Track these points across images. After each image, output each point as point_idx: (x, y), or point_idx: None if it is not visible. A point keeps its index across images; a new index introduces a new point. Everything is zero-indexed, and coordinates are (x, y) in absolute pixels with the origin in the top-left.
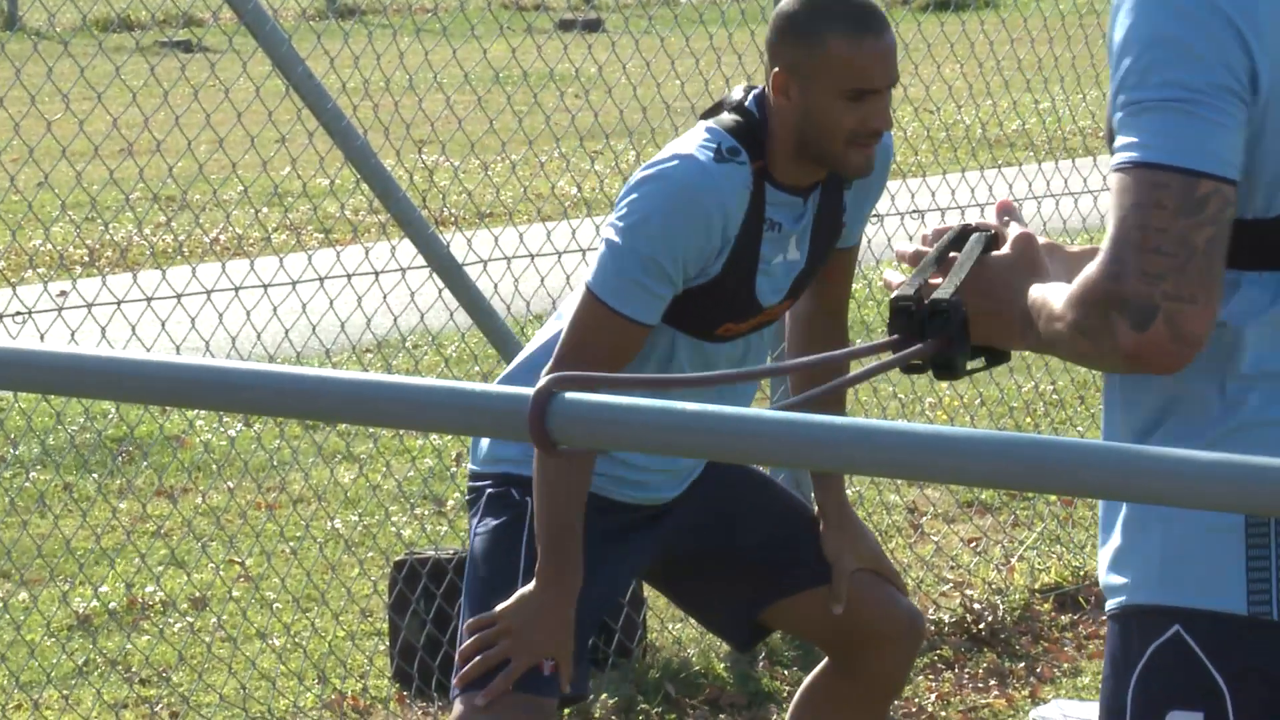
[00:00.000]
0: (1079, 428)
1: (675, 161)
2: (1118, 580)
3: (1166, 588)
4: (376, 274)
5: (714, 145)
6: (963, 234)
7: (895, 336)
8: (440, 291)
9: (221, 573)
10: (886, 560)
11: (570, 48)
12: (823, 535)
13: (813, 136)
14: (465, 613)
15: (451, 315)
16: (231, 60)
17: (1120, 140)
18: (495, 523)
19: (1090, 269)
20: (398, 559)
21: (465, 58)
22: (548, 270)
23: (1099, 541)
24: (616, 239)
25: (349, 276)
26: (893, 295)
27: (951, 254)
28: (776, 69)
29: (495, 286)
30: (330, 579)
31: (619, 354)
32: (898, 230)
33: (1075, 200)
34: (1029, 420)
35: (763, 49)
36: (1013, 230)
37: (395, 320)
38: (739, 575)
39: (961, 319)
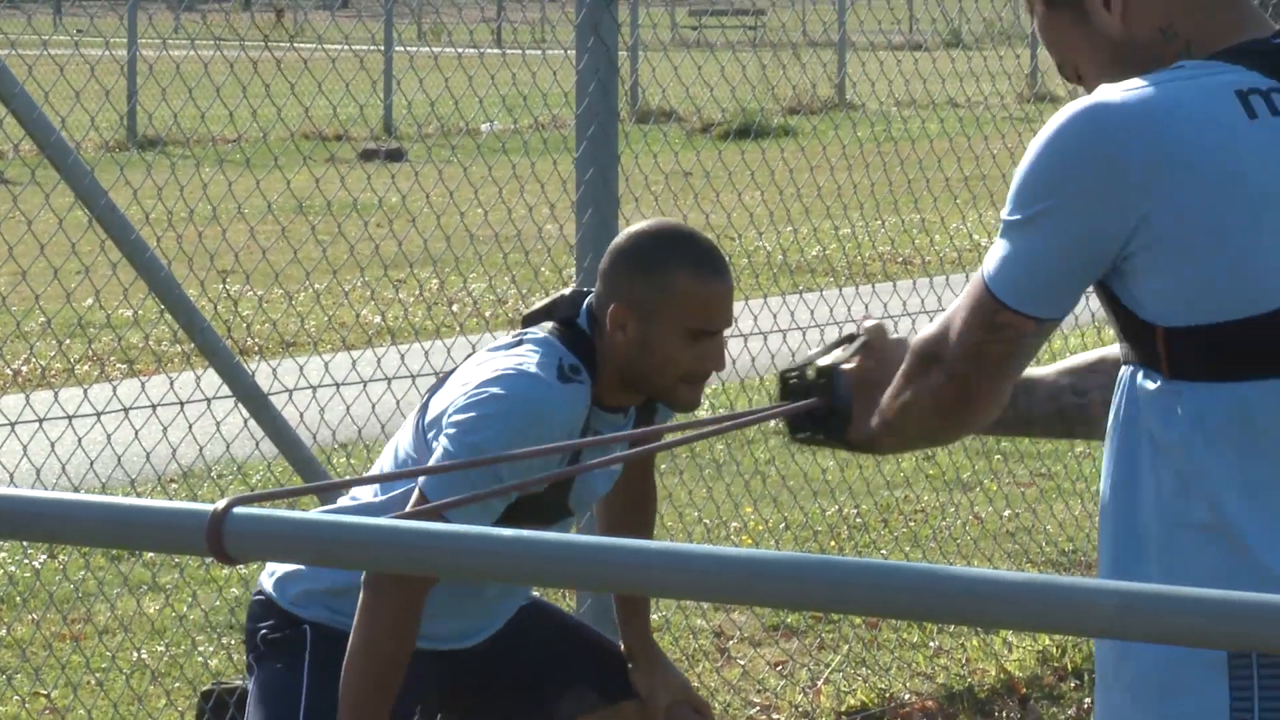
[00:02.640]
0: (883, 551)
1: (520, 379)
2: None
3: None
4: (182, 404)
5: (555, 363)
6: (848, 337)
7: (785, 403)
8: (246, 421)
9: (27, 705)
10: (696, 694)
11: (373, 177)
12: (632, 674)
13: (645, 371)
14: None
15: (258, 444)
16: (34, 192)
17: (995, 244)
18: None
19: (926, 328)
20: (205, 689)
21: (268, 188)
22: (353, 399)
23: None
24: (459, 455)
25: (154, 407)
26: (782, 370)
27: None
28: (615, 304)
29: (301, 415)
30: (137, 710)
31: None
32: None
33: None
34: (833, 544)
35: (602, 267)
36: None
37: (201, 450)
38: (537, 697)
39: (845, 384)
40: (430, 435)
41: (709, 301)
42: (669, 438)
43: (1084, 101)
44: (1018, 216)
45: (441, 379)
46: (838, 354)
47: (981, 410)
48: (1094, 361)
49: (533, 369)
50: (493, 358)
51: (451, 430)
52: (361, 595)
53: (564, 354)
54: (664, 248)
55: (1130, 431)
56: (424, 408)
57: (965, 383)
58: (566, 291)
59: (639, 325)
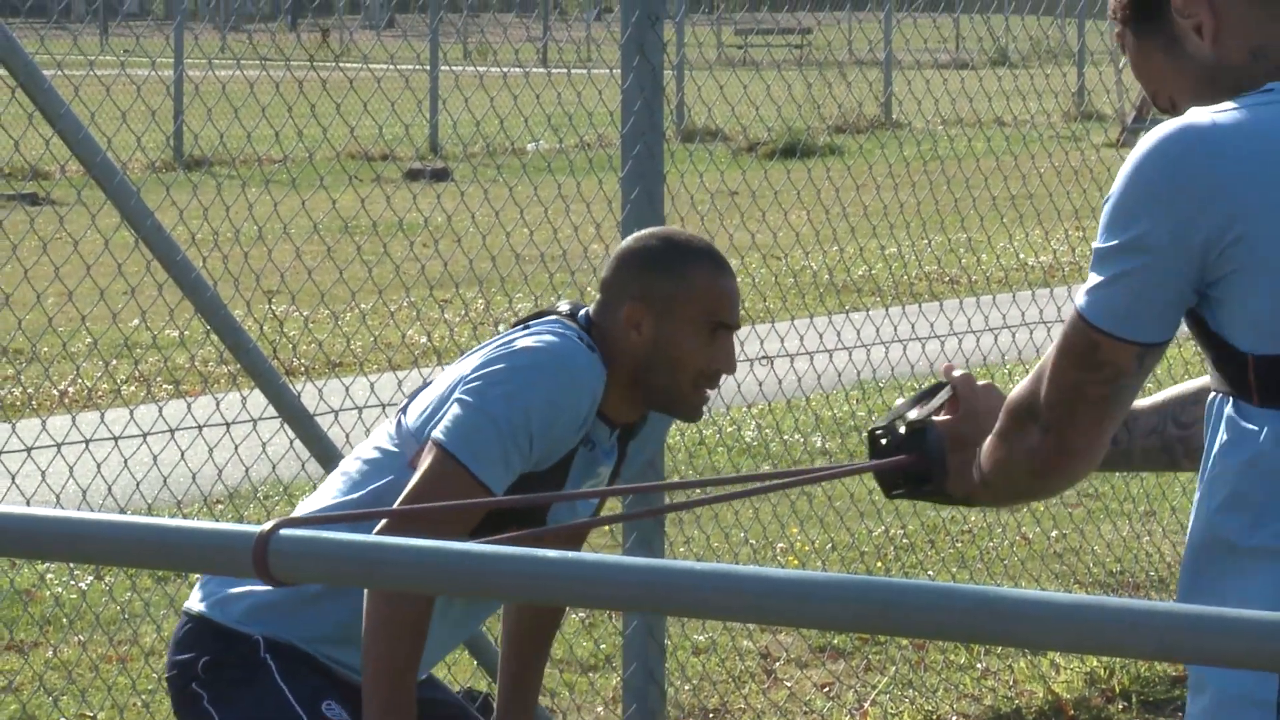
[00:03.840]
0: (929, 572)
1: (553, 339)
2: None
3: None
4: (228, 425)
5: (577, 336)
6: (934, 389)
7: (874, 461)
8: (292, 442)
9: None
10: None
11: (419, 197)
12: None
13: (660, 371)
14: None
15: (303, 465)
16: (80, 213)
17: (1088, 277)
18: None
19: (1019, 384)
20: None
21: (314, 208)
22: None
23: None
24: (486, 405)
25: (200, 428)
26: (870, 428)
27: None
28: (629, 304)
29: (347, 436)
30: None
31: (463, 519)
32: (747, 377)
33: (923, 345)
34: (879, 564)
35: (606, 276)
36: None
37: (247, 471)
38: None
39: (937, 438)
40: (418, 426)
41: (726, 294)
42: (719, 491)
43: (1173, 123)
44: (1113, 242)
45: (415, 390)
46: (927, 408)
47: (1082, 460)
48: (1196, 391)
49: (560, 331)
50: (496, 341)
51: (476, 383)
52: (373, 609)
53: (581, 334)
54: (676, 246)
55: (1227, 460)
56: (403, 410)
57: (1062, 434)
58: (561, 306)
59: (655, 322)
